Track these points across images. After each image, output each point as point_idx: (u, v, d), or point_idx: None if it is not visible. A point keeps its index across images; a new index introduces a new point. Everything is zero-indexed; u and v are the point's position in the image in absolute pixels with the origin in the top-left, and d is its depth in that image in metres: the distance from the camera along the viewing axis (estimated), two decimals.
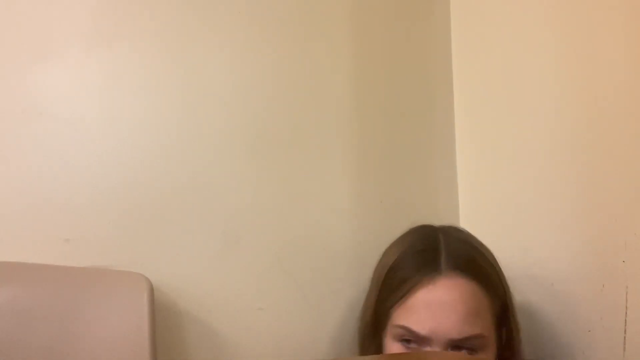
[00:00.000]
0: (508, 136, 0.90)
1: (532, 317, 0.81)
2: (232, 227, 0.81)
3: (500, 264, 0.73)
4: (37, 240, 0.70)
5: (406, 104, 0.96)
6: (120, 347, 0.66)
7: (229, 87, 0.82)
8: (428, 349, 0.65)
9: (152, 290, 0.68)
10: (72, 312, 0.66)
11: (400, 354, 0.68)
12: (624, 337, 0.69)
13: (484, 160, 0.94)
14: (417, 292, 0.66)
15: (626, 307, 0.69)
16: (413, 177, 0.94)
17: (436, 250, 0.69)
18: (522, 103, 0.87)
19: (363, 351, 0.74)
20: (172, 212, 0.77)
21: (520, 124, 0.87)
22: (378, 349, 0.71)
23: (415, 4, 0.99)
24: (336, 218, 0.86)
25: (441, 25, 1.00)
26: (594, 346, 0.72)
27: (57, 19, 0.73)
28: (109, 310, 0.67)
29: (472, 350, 0.65)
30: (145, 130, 0.77)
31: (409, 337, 0.66)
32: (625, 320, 0.69)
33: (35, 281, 0.67)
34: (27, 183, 0.71)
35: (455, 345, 0.65)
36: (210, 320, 0.78)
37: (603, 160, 0.73)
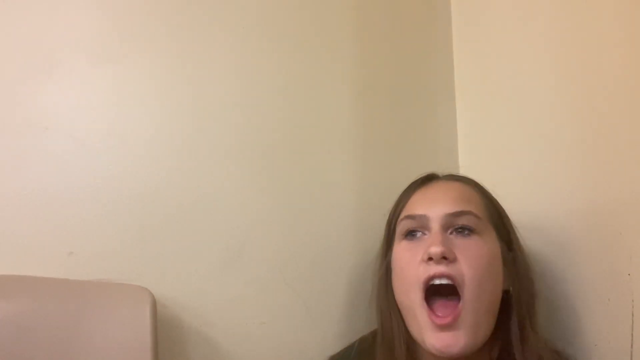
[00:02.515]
0: (510, 140, 0.90)
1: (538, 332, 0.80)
2: (235, 241, 0.81)
3: (531, 264, 0.74)
4: (41, 253, 0.71)
5: (410, 113, 0.97)
6: None
7: (233, 102, 0.83)
8: (427, 235, 0.68)
9: (154, 303, 0.68)
10: (75, 324, 0.66)
11: None
12: (631, 352, 0.68)
13: (486, 169, 0.94)
14: (414, 195, 0.73)
15: (632, 321, 0.69)
16: None
17: (433, 174, 0.76)
18: (523, 109, 0.87)
19: (374, 284, 0.75)
20: (175, 226, 0.77)
21: (523, 129, 0.87)
22: (388, 266, 0.72)
23: (417, 5, 1.00)
24: (339, 231, 0.86)
25: (442, 24, 1.01)
26: None
27: (62, 34, 0.74)
28: (112, 323, 0.67)
29: (470, 229, 0.67)
30: (149, 144, 0.77)
31: (411, 227, 0.70)
32: (632, 334, 0.68)
33: (39, 294, 0.67)
34: (31, 196, 0.71)
35: (453, 224, 0.67)
36: (213, 334, 0.78)
37: (608, 171, 0.72)
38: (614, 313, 0.71)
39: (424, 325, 0.65)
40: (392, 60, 0.96)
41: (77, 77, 0.75)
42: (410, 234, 0.70)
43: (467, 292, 0.64)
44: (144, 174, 0.77)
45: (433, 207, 0.69)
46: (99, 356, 0.66)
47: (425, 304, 0.65)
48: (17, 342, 0.63)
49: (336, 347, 0.80)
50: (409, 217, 0.70)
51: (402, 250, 0.70)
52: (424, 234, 0.69)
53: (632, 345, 0.68)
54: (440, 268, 0.64)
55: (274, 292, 0.82)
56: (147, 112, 0.78)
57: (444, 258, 0.64)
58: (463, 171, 0.98)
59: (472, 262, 0.65)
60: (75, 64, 0.75)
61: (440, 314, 0.64)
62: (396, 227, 0.73)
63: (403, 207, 0.73)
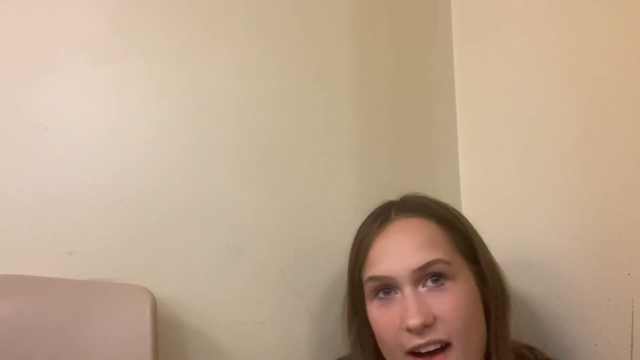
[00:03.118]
0: (510, 139, 0.90)
1: (537, 331, 0.80)
2: (235, 241, 0.81)
3: (502, 276, 0.71)
4: (40, 253, 0.71)
5: (410, 113, 0.97)
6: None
7: (233, 102, 0.83)
8: (399, 295, 0.65)
9: (154, 303, 0.68)
10: (74, 324, 0.66)
11: None
12: (631, 352, 0.68)
13: (486, 172, 0.94)
14: (373, 245, 0.68)
15: (632, 321, 0.69)
16: (415, 183, 0.94)
17: (387, 208, 0.71)
18: (523, 109, 0.87)
19: (349, 339, 0.74)
20: (175, 226, 0.77)
21: (523, 129, 0.87)
22: (361, 323, 0.71)
23: (417, 6, 1.00)
24: (339, 231, 0.86)
25: (442, 24, 1.01)
26: None
27: (62, 34, 0.74)
28: (112, 323, 0.67)
29: (442, 277, 0.64)
30: (149, 144, 0.77)
31: (378, 286, 0.67)
32: (632, 334, 0.69)
33: (39, 294, 0.67)
34: (31, 196, 0.71)
35: (422, 277, 0.64)
36: (213, 333, 0.78)
37: (608, 172, 0.72)
38: (614, 313, 0.71)
39: None
40: (392, 61, 0.96)
41: (77, 76, 0.74)
42: (381, 292, 0.67)
43: (455, 341, 0.63)
44: (144, 173, 0.77)
45: (397, 263, 0.65)
46: (99, 356, 0.65)
47: (411, 357, 0.64)
48: (17, 342, 0.63)
49: (336, 347, 0.80)
50: (373, 278, 0.67)
51: (377, 313, 0.67)
52: (395, 292, 0.66)
53: (632, 345, 0.68)
54: (425, 338, 0.62)
55: (274, 292, 0.82)
56: (147, 112, 0.78)
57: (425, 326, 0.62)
58: (463, 171, 0.98)
59: (453, 316, 0.63)
60: (75, 63, 0.75)
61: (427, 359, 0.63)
62: (362, 282, 0.69)
63: (364, 259, 0.69)
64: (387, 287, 0.66)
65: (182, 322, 0.76)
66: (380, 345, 0.68)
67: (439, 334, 0.62)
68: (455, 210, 0.73)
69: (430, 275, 0.64)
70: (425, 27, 1.00)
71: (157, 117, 0.78)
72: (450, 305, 0.63)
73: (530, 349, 0.73)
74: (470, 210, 0.94)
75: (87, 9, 0.76)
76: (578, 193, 0.77)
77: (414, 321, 0.62)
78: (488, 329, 0.67)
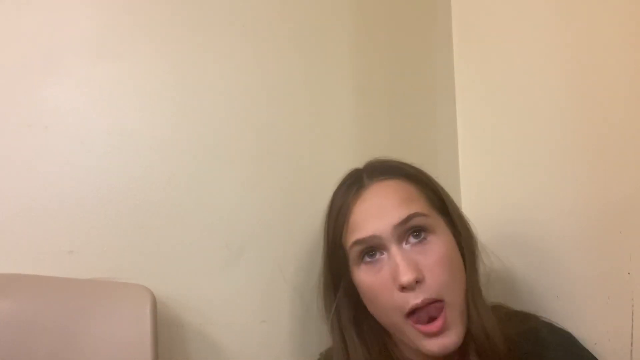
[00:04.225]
0: (510, 139, 0.90)
1: None
2: (235, 240, 0.81)
3: (470, 226, 0.73)
4: (40, 252, 0.71)
5: (409, 111, 0.97)
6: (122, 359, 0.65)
7: (233, 101, 0.83)
8: (385, 255, 0.66)
9: (154, 302, 0.68)
10: (74, 324, 0.66)
11: None
12: (631, 350, 0.68)
13: (487, 171, 0.94)
14: (353, 211, 0.69)
15: (632, 320, 0.69)
16: None
17: (358, 175, 0.73)
18: (524, 109, 0.87)
19: (330, 306, 0.73)
20: (175, 225, 0.77)
21: (523, 129, 0.87)
22: (347, 290, 0.72)
23: (417, 5, 1.00)
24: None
25: (442, 24, 1.01)
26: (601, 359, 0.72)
27: (62, 33, 0.74)
28: (112, 322, 0.67)
29: (423, 230, 0.66)
30: (149, 142, 0.77)
31: (364, 249, 0.68)
32: (632, 333, 0.69)
33: (39, 293, 0.67)
34: (31, 195, 0.71)
35: (404, 232, 0.66)
36: (213, 333, 0.78)
37: (608, 171, 0.73)
38: (613, 312, 0.71)
39: (415, 336, 0.65)
40: (391, 60, 0.96)
41: (77, 75, 0.74)
42: (366, 256, 0.68)
43: (447, 296, 0.64)
44: (144, 172, 0.77)
45: (378, 222, 0.66)
46: (99, 355, 0.65)
47: (411, 322, 0.65)
48: (17, 341, 0.63)
49: None
50: (358, 242, 0.67)
51: (367, 276, 0.68)
52: (381, 253, 0.67)
53: (632, 344, 0.69)
54: (419, 297, 0.63)
55: (274, 291, 0.82)
56: (147, 111, 0.78)
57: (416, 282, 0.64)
58: (463, 170, 0.98)
59: (440, 270, 0.65)
60: (75, 62, 0.74)
61: (429, 325, 0.64)
62: (345, 249, 0.70)
63: (344, 226, 0.70)
64: (372, 249, 0.67)
65: (182, 321, 0.76)
66: (373, 309, 0.69)
67: (430, 292, 0.64)
68: (419, 168, 0.75)
69: (411, 230, 0.66)
70: (425, 27, 1.00)
71: (157, 117, 0.78)
72: (436, 258, 0.65)
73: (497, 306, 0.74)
74: (471, 209, 0.94)
75: (87, 8, 0.76)
76: (578, 192, 0.77)
77: (406, 277, 0.63)
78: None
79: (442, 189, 0.73)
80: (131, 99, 0.77)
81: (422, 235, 0.66)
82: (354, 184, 0.71)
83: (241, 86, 0.84)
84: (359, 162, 0.90)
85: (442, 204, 0.71)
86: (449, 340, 0.64)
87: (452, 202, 0.73)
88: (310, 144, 0.88)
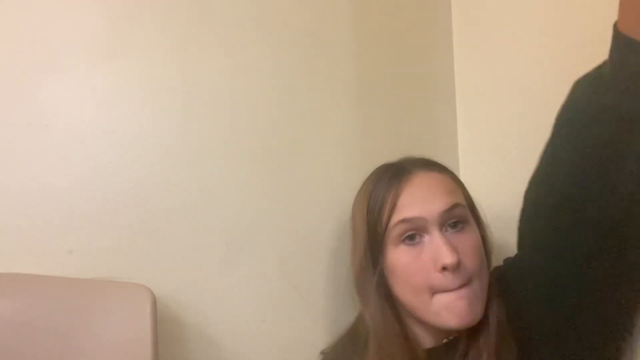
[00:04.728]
0: (510, 139, 0.90)
1: None
2: (235, 239, 0.81)
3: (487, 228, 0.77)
4: (40, 251, 0.70)
5: (409, 111, 0.97)
6: (122, 359, 0.65)
7: (233, 100, 0.83)
8: (425, 239, 0.69)
9: (154, 302, 0.68)
10: (74, 323, 0.65)
11: None
12: (631, 350, 0.69)
13: (486, 169, 0.94)
14: (402, 192, 0.71)
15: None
16: None
17: (400, 165, 0.76)
18: (524, 109, 0.87)
19: (363, 290, 0.75)
20: (175, 224, 0.77)
21: (523, 129, 0.87)
22: (381, 274, 0.73)
23: (417, 5, 1.00)
24: (339, 229, 0.86)
25: (442, 24, 1.01)
26: None
27: (62, 32, 0.74)
28: (112, 321, 0.67)
29: (460, 222, 0.70)
30: (149, 142, 0.77)
31: (408, 230, 0.70)
32: (632, 332, 0.69)
33: (38, 293, 0.67)
34: (31, 194, 0.71)
35: (447, 220, 0.70)
36: (213, 332, 0.78)
37: None
38: None
39: (439, 310, 0.68)
40: (391, 60, 0.96)
41: (77, 74, 0.74)
42: (408, 238, 0.70)
43: (475, 282, 0.68)
44: (144, 172, 0.77)
45: (427, 206, 0.70)
46: (100, 355, 0.65)
47: (438, 294, 0.68)
48: (16, 340, 0.63)
49: None
50: (404, 220, 0.70)
51: (405, 256, 0.70)
52: (421, 236, 0.70)
53: (631, 344, 0.69)
54: (455, 283, 0.67)
55: (274, 290, 0.82)
56: (147, 110, 0.78)
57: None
58: (463, 171, 0.98)
59: (473, 256, 0.69)
60: (75, 61, 0.74)
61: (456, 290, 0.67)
62: (386, 230, 0.71)
63: (393, 206, 0.71)
64: (414, 231, 0.70)
65: (182, 321, 0.76)
66: (402, 289, 0.71)
67: (465, 277, 0.68)
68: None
69: (453, 218, 0.70)
70: (425, 27, 1.01)
71: (156, 115, 0.78)
72: (470, 245, 0.70)
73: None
74: None
75: (87, 6, 0.76)
76: None
77: (450, 259, 0.66)
78: None
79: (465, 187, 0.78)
80: (132, 98, 0.77)
81: (460, 225, 0.70)
82: (398, 172, 0.74)
83: (242, 85, 0.84)
84: (359, 162, 0.91)
85: (470, 202, 0.76)
86: (469, 315, 0.67)
87: (473, 200, 0.77)
88: (310, 144, 0.88)
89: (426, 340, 0.73)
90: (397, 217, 0.70)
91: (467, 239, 0.70)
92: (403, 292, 0.71)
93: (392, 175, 0.74)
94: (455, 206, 0.70)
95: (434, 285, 0.68)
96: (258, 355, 0.80)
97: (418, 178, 0.73)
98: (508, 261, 0.75)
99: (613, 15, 0.70)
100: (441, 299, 0.68)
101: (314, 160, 0.88)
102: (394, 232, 0.71)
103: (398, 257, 0.71)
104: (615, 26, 0.57)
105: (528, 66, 0.86)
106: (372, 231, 0.73)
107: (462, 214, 0.71)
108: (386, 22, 0.97)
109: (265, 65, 0.85)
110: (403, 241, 0.71)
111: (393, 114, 0.95)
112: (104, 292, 0.70)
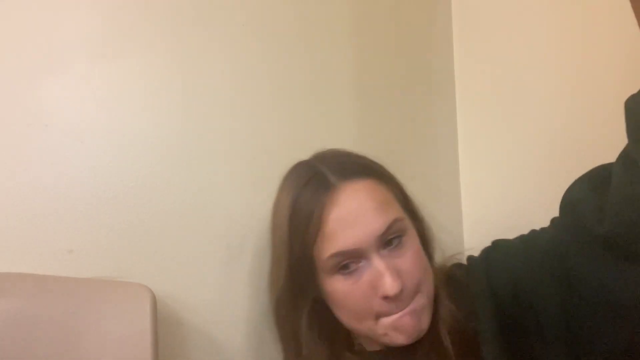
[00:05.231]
0: (510, 139, 0.90)
1: None
2: (235, 239, 0.81)
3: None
4: (40, 251, 0.70)
5: (409, 111, 0.97)
6: (122, 359, 0.65)
7: (234, 100, 0.83)
8: (363, 263, 0.63)
9: (155, 301, 0.68)
10: (74, 322, 0.65)
11: None
12: None
13: (487, 171, 0.94)
14: (326, 218, 0.63)
15: None
16: (416, 183, 0.94)
17: (319, 173, 0.67)
18: (524, 108, 0.87)
19: (289, 319, 0.70)
20: (175, 224, 0.77)
21: (523, 129, 0.87)
22: (316, 301, 0.68)
23: (417, 5, 1.00)
24: None
25: (442, 24, 1.01)
26: None
27: (62, 32, 0.74)
28: (112, 321, 0.67)
29: (399, 236, 0.65)
30: (149, 141, 0.77)
31: (342, 261, 0.64)
32: None
33: (38, 292, 0.67)
34: (31, 193, 0.71)
35: (385, 239, 0.64)
36: (213, 331, 0.78)
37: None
38: None
39: (385, 332, 0.64)
40: (391, 61, 0.96)
41: (76, 74, 0.74)
42: (343, 267, 0.64)
43: (421, 289, 0.65)
44: (144, 171, 0.77)
45: (360, 233, 0.63)
46: (99, 354, 0.65)
47: (383, 318, 0.64)
48: (16, 340, 0.63)
49: None
50: (339, 254, 0.63)
51: (342, 285, 0.64)
52: (358, 261, 0.64)
53: None
54: (400, 306, 0.63)
55: None
56: (147, 110, 0.78)
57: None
58: (463, 171, 0.98)
59: (416, 269, 0.65)
60: (75, 61, 0.74)
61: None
62: (314, 257, 0.65)
63: (317, 235, 0.64)
64: (349, 261, 0.64)
65: (182, 320, 0.76)
66: (343, 315, 0.67)
67: (409, 299, 0.63)
68: (370, 159, 0.72)
69: (391, 236, 0.64)
70: (425, 27, 1.01)
71: (156, 115, 0.78)
72: (412, 259, 0.64)
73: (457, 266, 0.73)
74: (471, 211, 0.94)
75: (87, 6, 0.76)
76: None
77: (393, 290, 0.61)
78: None
79: (397, 178, 0.71)
80: (132, 98, 0.77)
81: (398, 240, 0.65)
82: (320, 185, 0.65)
83: (242, 84, 0.84)
84: None
85: (404, 197, 0.70)
86: (417, 331, 0.63)
87: (405, 188, 0.71)
88: (310, 144, 0.87)
89: (375, 346, 0.70)
90: (327, 248, 0.63)
91: (407, 251, 0.65)
92: (344, 318, 0.67)
93: (314, 192, 0.65)
94: (392, 225, 0.63)
95: (378, 312, 0.63)
96: (258, 355, 0.80)
97: (345, 195, 0.64)
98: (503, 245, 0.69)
99: (613, 16, 0.71)
100: (386, 321, 0.63)
101: None
102: (326, 263, 0.64)
103: (334, 287, 0.65)
104: None
105: (527, 66, 0.86)
106: (298, 255, 0.66)
107: (399, 228, 0.64)
108: (386, 22, 0.97)
109: (264, 66, 0.85)
110: (338, 271, 0.64)
111: (393, 114, 0.95)
112: (104, 291, 0.70)
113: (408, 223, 0.67)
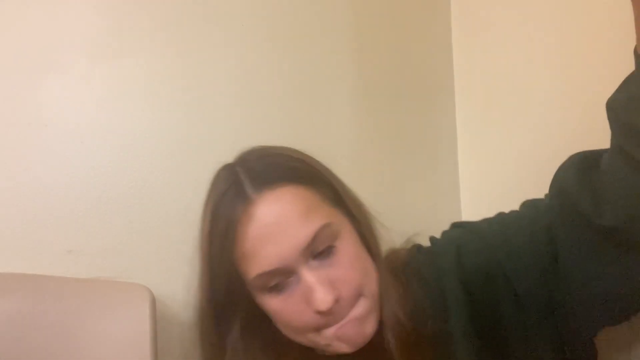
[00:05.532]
0: (510, 139, 0.90)
1: None
2: None
3: (361, 202, 0.66)
4: (39, 251, 0.70)
5: (409, 111, 0.97)
6: (122, 359, 0.65)
7: (233, 100, 0.83)
8: (293, 278, 0.57)
9: (154, 301, 0.68)
10: (74, 323, 0.65)
11: None
12: (629, 348, 0.69)
13: (486, 171, 0.94)
14: (244, 236, 0.57)
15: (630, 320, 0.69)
16: (415, 184, 0.95)
17: (238, 182, 0.59)
18: (524, 108, 0.87)
19: (215, 336, 0.63)
20: (175, 224, 0.77)
21: (523, 129, 0.87)
22: (249, 315, 0.62)
23: (416, 5, 1.00)
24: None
25: (441, 23, 1.02)
26: None
27: (62, 32, 0.74)
28: (111, 321, 0.67)
29: (331, 242, 0.58)
30: (148, 141, 0.77)
31: (269, 281, 0.58)
32: (630, 331, 0.69)
33: (38, 292, 0.67)
34: (30, 194, 0.71)
35: (312, 250, 0.57)
36: None
37: None
38: None
39: (328, 341, 0.59)
40: (391, 61, 0.97)
41: (76, 74, 0.74)
42: (273, 287, 0.58)
43: (364, 292, 0.59)
44: (144, 171, 0.77)
45: (281, 249, 0.56)
46: (99, 354, 0.65)
47: (324, 330, 0.59)
48: (15, 340, 0.63)
49: None
50: (263, 275, 0.57)
51: (274, 303, 0.59)
52: (288, 277, 0.58)
53: (630, 343, 0.69)
54: (339, 315, 0.57)
55: None
56: (147, 110, 0.78)
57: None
58: (463, 171, 0.98)
59: (353, 274, 0.58)
60: (75, 61, 0.74)
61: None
62: (240, 273, 0.59)
63: (234, 251, 0.57)
64: (277, 279, 0.58)
65: (182, 320, 0.76)
66: (283, 329, 0.61)
67: (347, 304, 0.57)
68: (300, 153, 0.64)
69: (319, 245, 0.57)
70: (424, 26, 1.01)
71: (156, 115, 0.78)
72: (347, 264, 0.58)
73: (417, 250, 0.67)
74: (470, 211, 0.94)
75: (85, 7, 0.76)
76: None
77: (324, 304, 0.55)
78: None
79: (328, 172, 0.64)
80: (131, 98, 0.77)
81: (329, 248, 0.58)
82: (237, 196, 0.58)
83: (242, 84, 0.84)
84: (358, 162, 0.90)
85: (335, 195, 0.62)
86: (362, 337, 0.58)
87: (341, 184, 0.64)
88: (310, 144, 0.87)
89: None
90: (251, 269, 0.57)
91: (342, 257, 0.58)
92: (285, 332, 0.61)
93: (230, 202, 0.58)
94: (317, 235, 0.56)
95: (316, 325, 0.58)
96: None
97: (263, 208, 0.57)
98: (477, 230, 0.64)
99: (612, 16, 0.71)
100: (328, 332, 0.58)
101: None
102: (252, 283, 0.58)
103: (266, 304, 0.60)
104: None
105: (527, 66, 0.86)
106: (222, 273, 0.59)
107: (329, 235, 0.58)
108: (385, 22, 0.97)
109: (265, 66, 0.86)
110: (267, 290, 0.59)
111: (392, 114, 0.95)
112: (103, 291, 0.70)
113: (341, 225, 0.60)
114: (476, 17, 0.98)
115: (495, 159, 0.93)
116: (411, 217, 0.89)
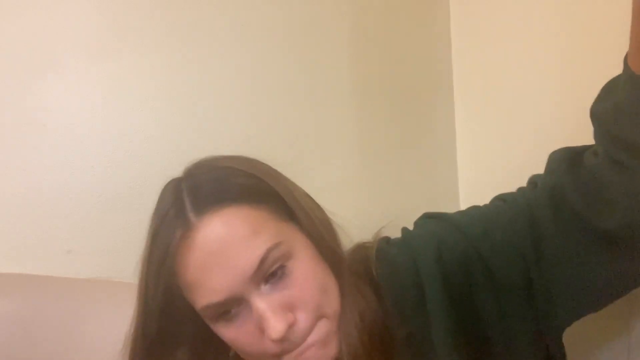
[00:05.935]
0: (509, 139, 0.90)
1: None
2: None
3: (320, 209, 0.61)
4: (39, 251, 0.70)
5: (408, 112, 0.97)
6: (121, 359, 0.65)
7: (233, 101, 0.83)
8: (243, 306, 0.53)
9: None
10: (73, 323, 0.65)
11: None
12: (628, 347, 0.69)
13: (485, 169, 0.95)
14: (185, 267, 0.53)
15: (630, 320, 0.69)
16: (414, 183, 0.95)
17: (180, 202, 0.55)
18: (523, 108, 0.87)
19: None
20: None
21: (522, 129, 0.88)
22: (197, 340, 0.58)
23: (416, 4, 1.01)
24: (338, 230, 0.86)
25: (441, 23, 1.02)
26: None
27: (60, 33, 0.74)
28: (110, 321, 0.67)
29: (281, 263, 0.53)
30: (148, 141, 0.77)
31: (217, 312, 0.54)
32: (630, 332, 0.69)
33: (37, 292, 0.67)
34: (30, 194, 0.71)
35: (261, 274, 0.53)
36: None
37: None
38: (611, 311, 0.71)
39: None
40: (390, 61, 0.97)
41: (75, 74, 0.74)
42: (221, 316, 0.54)
43: (325, 310, 0.55)
44: (143, 171, 0.77)
45: (227, 278, 0.52)
46: (98, 354, 0.65)
47: (285, 356, 0.55)
48: (15, 340, 0.63)
49: None
50: (211, 306, 0.53)
51: (230, 333, 0.55)
52: (238, 305, 0.53)
53: (629, 343, 0.69)
54: (298, 340, 0.53)
55: None
56: (146, 110, 0.78)
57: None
58: (462, 171, 0.98)
59: (310, 294, 0.54)
60: (74, 61, 0.74)
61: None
62: (188, 301, 0.55)
63: (176, 280, 0.53)
64: (225, 309, 0.54)
65: None
66: (241, 354, 0.58)
67: (305, 327, 0.53)
68: (250, 164, 0.60)
69: (269, 268, 0.53)
70: (423, 26, 1.01)
71: (155, 115, 0.78)
72: (304, 285, 0.54)
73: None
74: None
75: (85, 7, 0.76)
76: None
77: (276, 333, 0.51)
78: None
79: (279, 182, 0.59)
80: (130, 97, 0.77)
81: (280, 270, 0.53)
82: (177, 218, 0.54)
83: (241, 84, 0.84)
84: (358, 162, 0.90)
85: (286, 206, 0.57)
86: (327, 357, 0.55)
87: (293, 195, 0.58)
88: (309, 144, 0.88)
89: None
90: (197, 300, 0.53)
91: (296, 278, 0.54)
92: (244, 357, 0.58)
93: (171, 228, 0.54)
94: (264, 259, 0.52)
95: (275, 353, 0.54)
96: None
97: (203, 235, 0.52)
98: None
99: (612, 16, 0.71)
100: (289, 357, 0.54)
101: (313, 164, 0.88)
102: (201, 313, 0.55)
103: (220, 332, 0.55)
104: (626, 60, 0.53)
105: (526, 66, 0.87)
106: (157, 303, 0.55)
107: (279, 256, 0.53)
108: (385, 22, 0.97)
109: (264, 66, 0.86)
110: (217, 319, 0.54)
111: (392, 114, 0.96)
112: (102, 291, 0.70)
113: (293, 241, 0.55)
114: (475, 17, 0.98)
115: (494, 158, 0.93)
116: (410, 216, 0.89)
